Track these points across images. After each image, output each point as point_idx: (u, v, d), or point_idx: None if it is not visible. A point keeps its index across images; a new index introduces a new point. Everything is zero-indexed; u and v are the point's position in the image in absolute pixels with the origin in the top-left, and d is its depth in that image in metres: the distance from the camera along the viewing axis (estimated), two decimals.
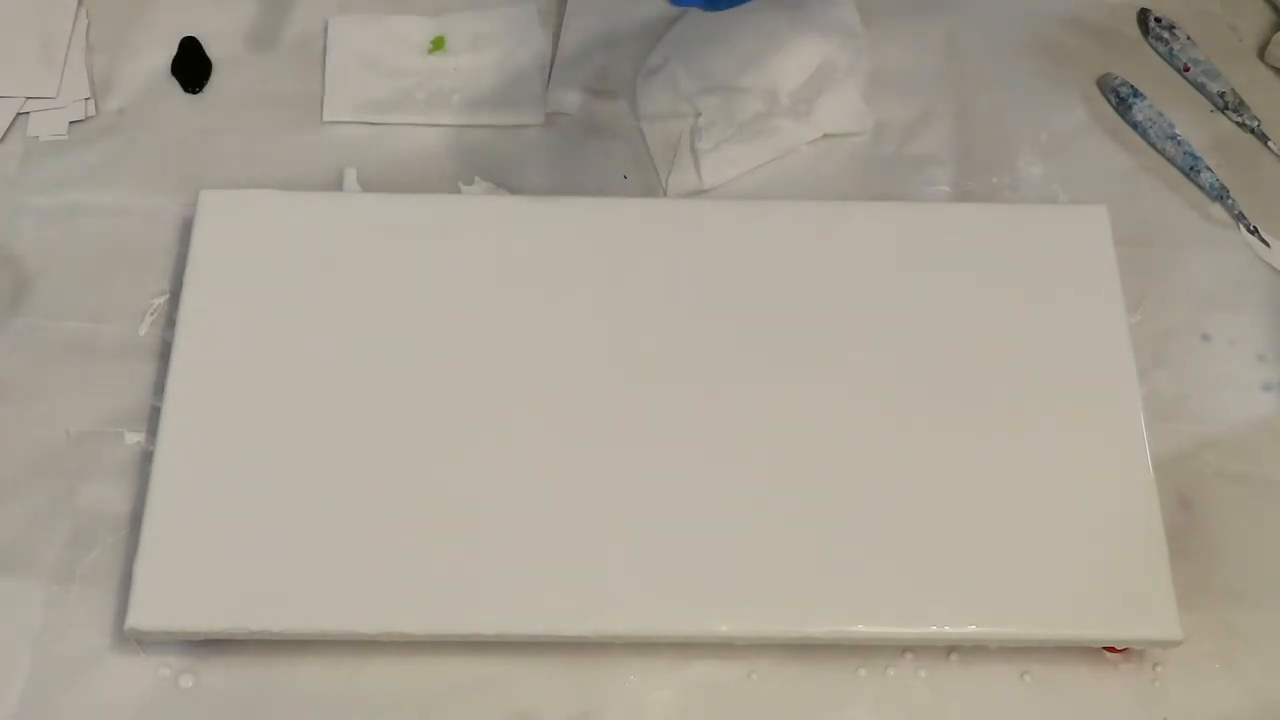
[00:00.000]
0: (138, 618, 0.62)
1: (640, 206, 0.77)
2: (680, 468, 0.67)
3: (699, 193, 0.80)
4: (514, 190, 0.79)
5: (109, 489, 0.69)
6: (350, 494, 0.65)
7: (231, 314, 0.70)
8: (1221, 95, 0.85)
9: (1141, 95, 0.84)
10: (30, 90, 0.81)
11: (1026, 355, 0.71)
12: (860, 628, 0.64)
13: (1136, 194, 0.82)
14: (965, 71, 0.86)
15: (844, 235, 0.74)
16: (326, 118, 0.81)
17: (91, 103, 0.81)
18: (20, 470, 0.69)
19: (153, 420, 0.70)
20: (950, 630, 0.64)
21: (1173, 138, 0.83)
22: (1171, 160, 0.83)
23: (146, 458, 0.69)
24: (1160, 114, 0.83)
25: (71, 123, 0.80)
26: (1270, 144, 0.84)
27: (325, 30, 0.84)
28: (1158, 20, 0.87)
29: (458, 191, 0.79)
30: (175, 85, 0.83)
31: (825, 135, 0.82)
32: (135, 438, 0.70)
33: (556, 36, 0.85)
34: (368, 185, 0.79)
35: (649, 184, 0.80)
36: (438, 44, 0.84)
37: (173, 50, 0.83)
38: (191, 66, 0.82)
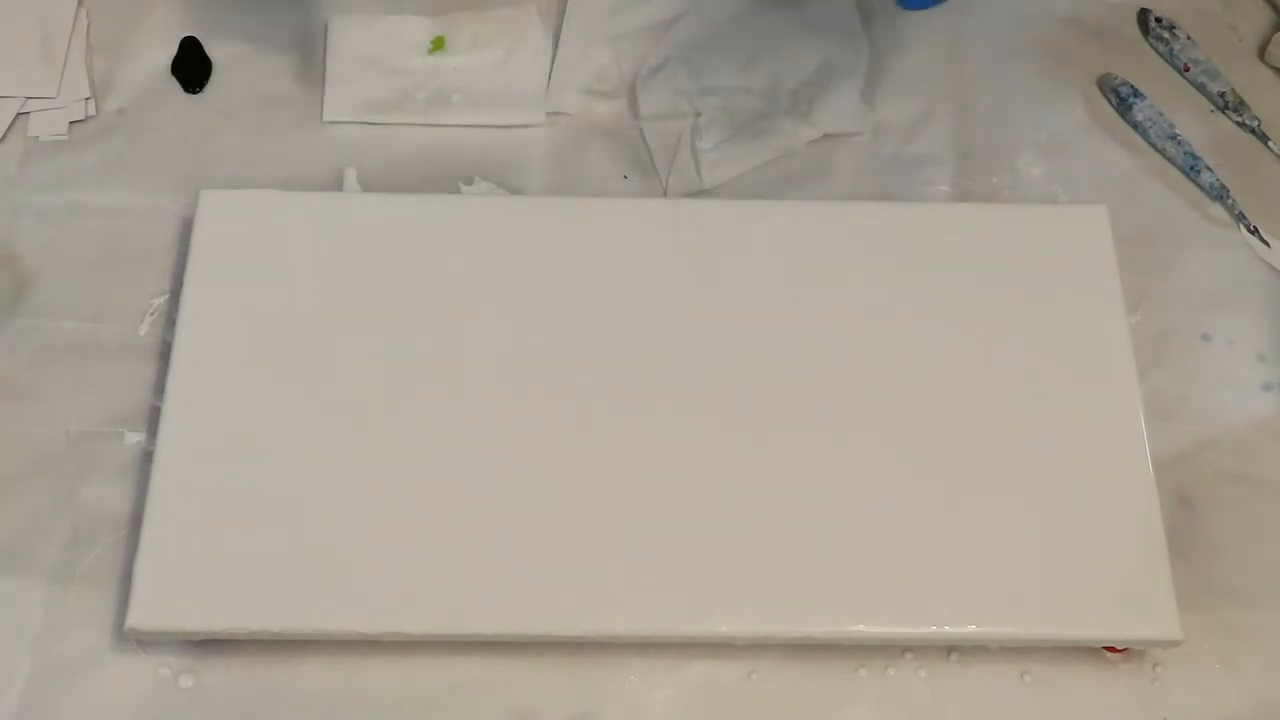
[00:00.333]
0: (138, 618, 0.62)
1: (640, 206, 0.77)
2: (680, 468, 0.67)
3: (699, 193, 0.80)
4: (514, 190, 0.79)
5: (109, 489, 0.69)
6: (350, 494, 0.65)
7: (231, 314, 0.70)
8: (1221, 95, 0.85)
9: (1141, 95, 0.84)
10: (30, 90, 0.81)
11: (1026, 355, 0.71)
12: (860, 628, 0.64)
13: (1136, 194, 0.82)
14: (965, 71, 0.86)
15: (844, 235, 0.74)
16: (326, 118, 0.81)
17: (91, 103, 0.81)
18: (20, 470, 0.69)
19: (153, 420, 0.70)
20: (950, 630, 0.64)
21: (1173, 138, 0.83)
22: (1171, 160, 0.83)
23: (146, 458, 0.69)
24: (1160, 114, 0.83)
25: (71, 123, 0.80)
26: (1270, 144, 0.84)
27: (325, 30, 0.84)
28: (1158, 20, 0.87)
29: (458, 191, 0.79)
30: (175, 85, 0.83)
31: (825, 135, 0.82)
32: (135, 438, 0.70)
33: (556, 36, 0.85)
34: (368, 185, 0.79)
35: (649, 184, 0.80)
36: (438, 44, 0.84)
37: (173, 50, 0.83)
38: (191, 66, 0.82)
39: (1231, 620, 0.68)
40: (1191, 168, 0.82)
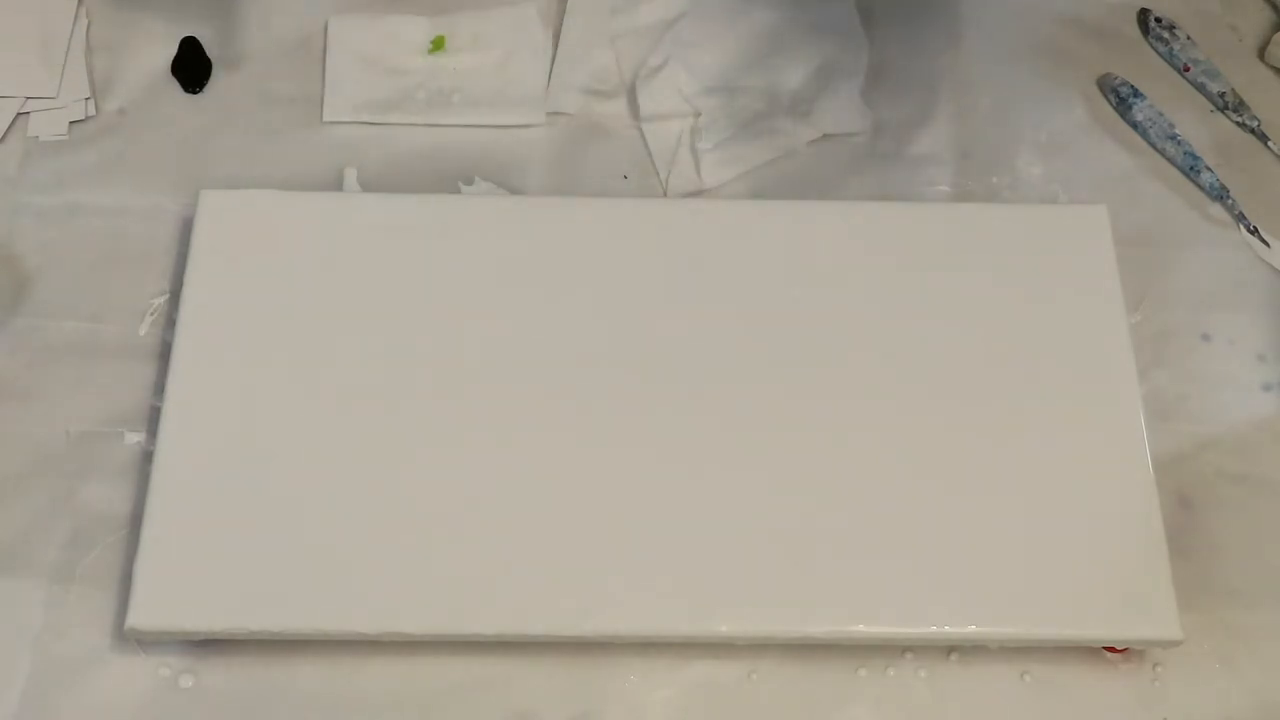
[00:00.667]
0: (138, 618, 0.62)
1: (640, 206, 0.77)
2: (680, 468, 0.67)
3: (699, 193, 0.80)
4: (514, 190, 0.79)
5: (109, 489, 0.69)
6: (350, 494, 0.65)
7: (231, 314, 0.70)
8: (1221, 95, 0.85)
9: (1141, 95, 0.84)
10: (30, 90, 0.81)
11: (1026, 355, 0.71)
12: (860, 628, 0.64)
13: (1136, 194, 0.82)
14: (965, 71, 0.86)
15: (844, 235, 0.74)
16: (326, 118, 0.81)
17: (91, 103, 0.81)
18: (20, 470, 0.69)
19: (153, 420, 0.70)
20: (950, 630, 0.64)
21: (1173, 138, 0.83)
22: (1171, 160, 0.83)
23: (146, 458, 0.69)
24: (1160, 114, 0.83)
25: (71, 123, 0.80)
26: (1270, 144, 0.84)
27: (325, 30, 0.84)
28: (1158, 20, 0.87)
29: (458, 191, 0.79)
30: (175, 85, 0.83)
31: (825, 135, 0.82)
32: (135, 438, 0.70)
33: (556, 36, 0.85)
34: (368, 185, 0.79)
35: (649, 184, 0.80)
36: (438, 44, 0.84)
37: (173, 50, 0.83)
38: (191, 66, 0.82)
39: (1231, 620, 0.68)
40: (1191, 168, 0.82)
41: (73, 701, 0.64)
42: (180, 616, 0.63)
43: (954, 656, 0.67)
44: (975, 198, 0.81)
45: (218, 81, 0.83)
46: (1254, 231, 0.80)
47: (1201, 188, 0.82)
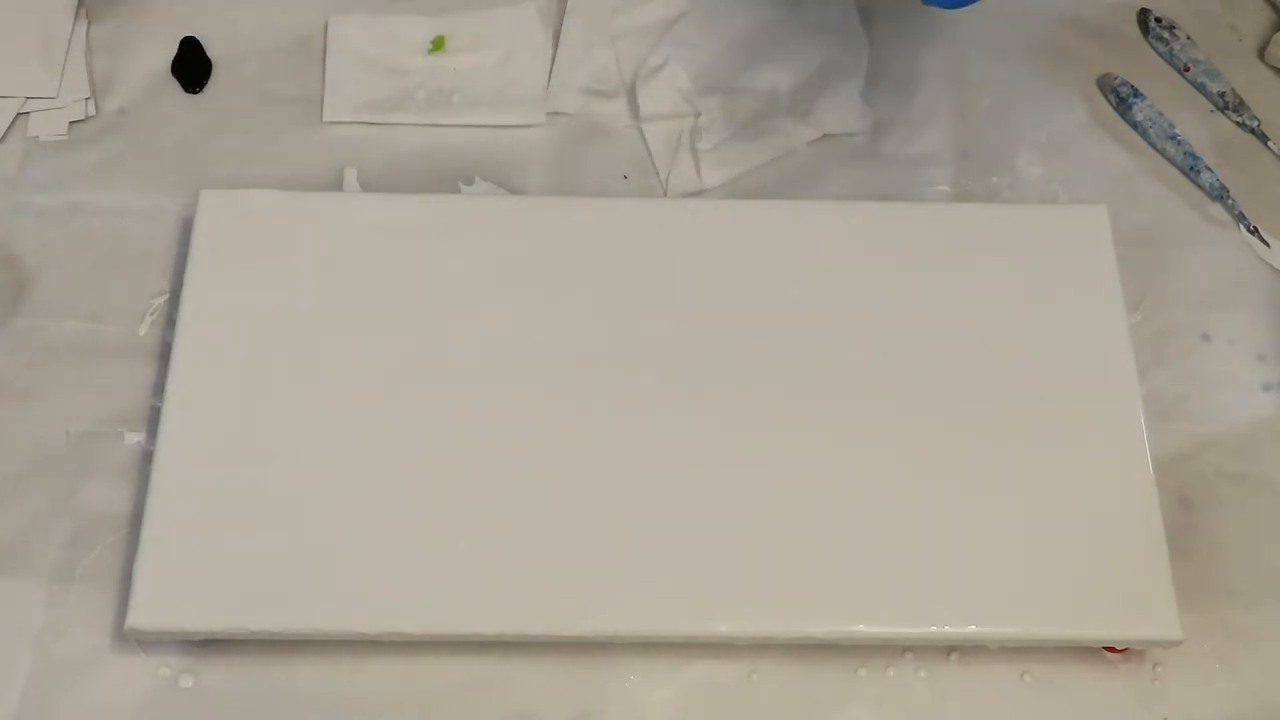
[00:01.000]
0: (138, 618, 0.62)
1: (640, 206, 0.77)
2: (680, 468, 0.67)
3: (699, 193, 0.80)
4: (514, 190, 0.79)
5: (109, 489, 0.69)
6: (350, 494, 0.65)
7: (231, 314, 0.70)
8: (1221, 95, 0.85)
9: (1141, 95, 0.84)
10: (30, 90, 0.81)
11: (1026, 355, 0.71)
12: (860, 628, 0.64)
13: (1136, 194, 0.82)
14: (965, 71, 0.86)
15: (844, 235, 0.74)
16: (326, 118, 0.81)
17: (91, 103, 0.81)
18: (20, 470, 0.69)
19: (153, 420, 0.70)
20: (950, 630, 0.64)
21: (1173, 138, 0.83)
22: (1171, 160, 0.83)
23: (146, 458, 0.69)
24: (1160, 114, 0.83)
25: (71, 123, 0.80)
26: (1270, 144, 0.84)
27: (325, 30, 0.84)
28: (1158, 20, 0.87)
29: (458, 191, 0.79)
30: (175, 85, 0.83)
31: (825, 135, 0.82)
32: (135, 438, 0.70)
33: (556, 36, 0.85)
34: (368, 185, 0.79)
35: (649, 184, 0.80)
36: (438, 44, 0.84)
37: (173, 50, 0.83)
38: (191, 66, 0.82)
39: (1231, 620, 0.68)
40: (1191, 168, 0.82)
41: (73, 701, 0.64)
42: (180, 616, 0.63)
43: (954, 656, 0.67)
44: (975, 198, 0.81)
45: (218, 81, 0.83)
46: (1254, 231, 0.80)
47: (1201, 188, 0.82)
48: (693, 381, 0.69)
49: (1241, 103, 0.85)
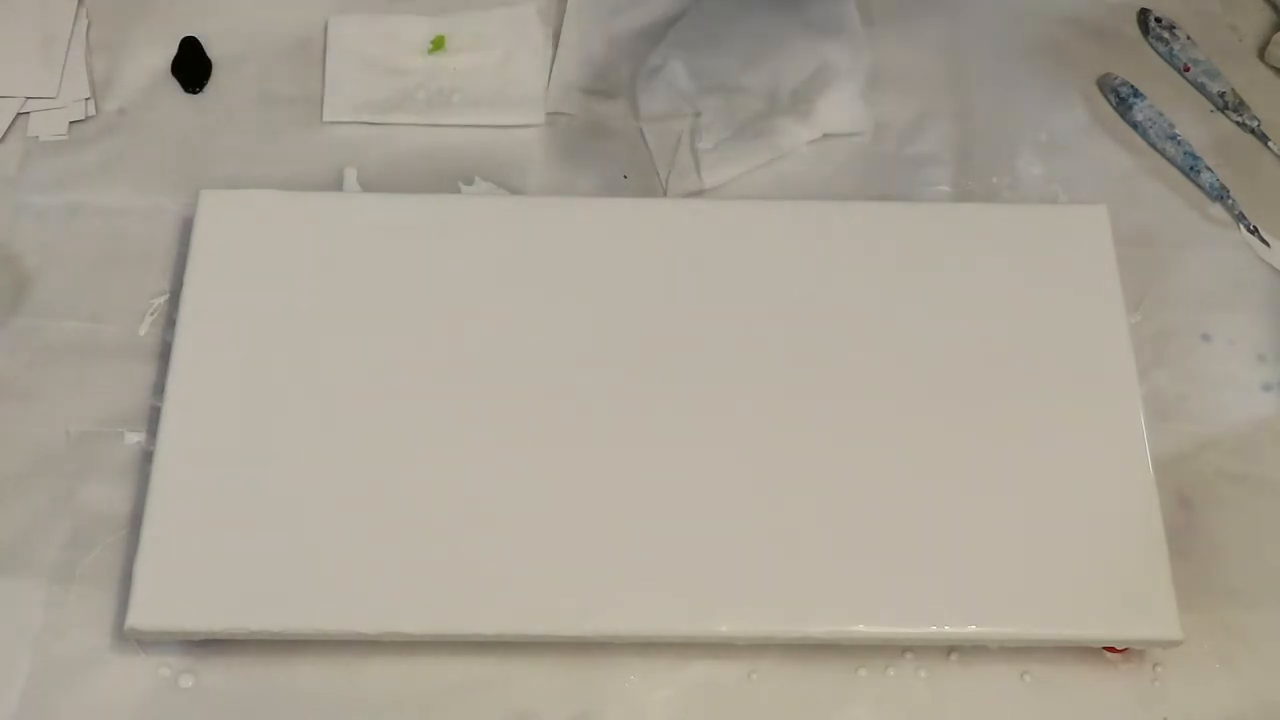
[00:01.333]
0: (138, 618, 0.62)
1: (640, 206, 0.77)
2: (680, 468, 0.67)
3: (699, 193, 0.80)
4: (514, 190, 0.79)
5: (109, 489, 0.69)
6: (350, 494, 0.65)
7: (231, 314, 0.70)
8: (1221, 95, 0.85)
9: (1141, 95, 0.84)
10: (30, 90, 0.81)
11: (1026, 355, 0.71)
12: (860, 628, 0.64)
13: (1136, 194, 0.82)
14: (965, 71, 0.86)
15: (844, 235, 0.74)
16: (326, 118, 0.81)
17: (91, 103, 0.81)
18: (20, 470, 0.69)
19: (153, 420, 0.70)
20: (950, 630, 0.64)
21: (1173, 138, 0.83)
22: (1171, 160, 0.83)
23: (146, 458, 0.69)
24: (1160, 114, 0.83)
25: (71, 123, 0.80)
26: (1270, 144, 0.84)
27: (325, 30, 0.84)
28: (1158, 20, 0.87)
29: (458, 191, 0.79)
30: (175, 85, 0.83)
31: (825, 135, 0.82)
32: (135, 438, 0.70)
33: (556, 36, 0.85)
34: (368, 185, 0.79)
35: (649, 184, 0.80)
36: (438, 44, 0.84)
37: (173, 50, 0.83)
38: (191, 66, 0.82)
39: (1231, 620, 0.68)
40: (1191, 168, 0.82)
41: (73, 701, 0.64)
42: (180, 616, 0.63)
43: (954, 656, 0.67)
44: (975, 198, 0.81)
45: (218, 81, 0.83)
46: (1254, 231, 0.80)
47: (1201, 188, 0.82)
48: (693, 381, 0.69)
49: (1241, 103, 0.85)
